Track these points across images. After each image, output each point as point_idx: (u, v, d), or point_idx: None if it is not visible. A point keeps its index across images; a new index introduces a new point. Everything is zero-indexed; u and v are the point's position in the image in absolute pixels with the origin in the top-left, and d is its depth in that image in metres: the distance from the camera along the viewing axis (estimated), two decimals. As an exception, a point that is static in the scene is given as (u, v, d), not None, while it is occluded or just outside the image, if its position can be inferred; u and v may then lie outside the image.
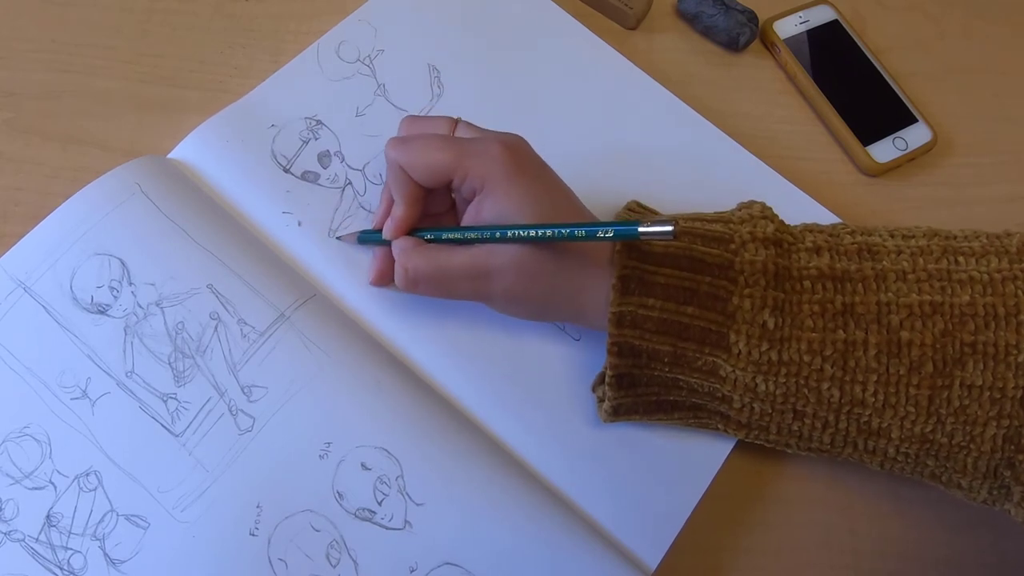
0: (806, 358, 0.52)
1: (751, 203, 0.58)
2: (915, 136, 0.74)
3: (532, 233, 0.53)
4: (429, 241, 0.59)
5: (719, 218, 0.57)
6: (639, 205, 0.63)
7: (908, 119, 0.75)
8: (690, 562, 0.60)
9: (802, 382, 0.53)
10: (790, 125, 0.76)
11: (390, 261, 0.60)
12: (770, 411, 0.55)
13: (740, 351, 0.53)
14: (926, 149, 0.74)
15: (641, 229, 0.50)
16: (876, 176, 0.74)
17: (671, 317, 0.53)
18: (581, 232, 0.52)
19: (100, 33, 0.74)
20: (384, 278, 0.63)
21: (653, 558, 0.58)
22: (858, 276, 0.54)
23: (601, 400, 0.59)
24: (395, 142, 0.58)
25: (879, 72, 0.76)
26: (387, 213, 0.60)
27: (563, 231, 0.53)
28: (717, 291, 0.53)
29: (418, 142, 0.58)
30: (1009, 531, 0.61)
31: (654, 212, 0.63)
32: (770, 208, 0.58)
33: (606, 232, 0.52)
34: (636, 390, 0.57)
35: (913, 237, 0.57)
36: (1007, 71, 0.79)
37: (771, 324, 0.52)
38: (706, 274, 0.54)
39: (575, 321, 0.60)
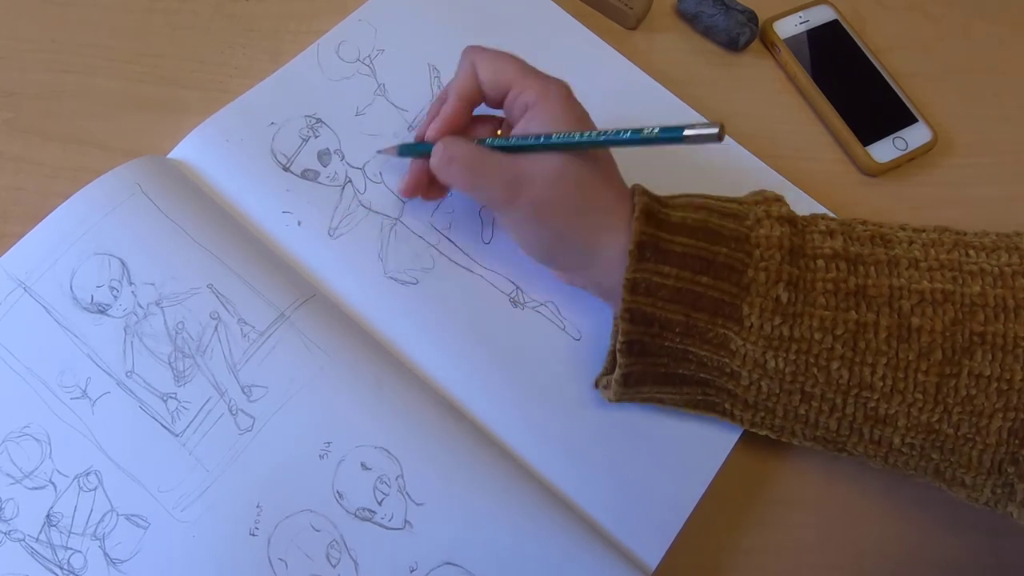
0: (817, 336, 0.52)
1: (762, 190, 0.58)
2: (915, 136, 0.74)
3: (577, 138, 0.54)
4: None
5: (732, 200, 0.58)
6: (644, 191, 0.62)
7: (908, 119, 0.75)
8: (690, 562, 0.60)
9: (812, 360, 0.53)
10: (790, 125, 0.76)
11: (424, 174, 0.62)
12: (778, 391, 0.55)
13: (752, 324, 0.53)
14: (926, 149, 0.74)
15: (687, 132, 0.50)
16: (876, 176, 0.74)
17: (685, 286, 0.53)
18: (626, 135, 0.53)
19: (100, 33, 0.74)
20: (417, 189, 0.64)
21: (653, 558, 0.58)
22: (871, 260, 0.54)
23: (606, 387, 0.60)
24: (474, 46, 0.61)
25: (879, 72, 0.76)
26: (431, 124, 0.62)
27: (610, 136, 0.53)
28: (733, 263, 0.53)
29: (495, 50, 0.60)
30: (1008, 532, 0.61)
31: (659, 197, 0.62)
32: (781, 195, 0.58)
33: (652, 131, 0.52)
34: (646, 359, 0.56)
35: (924, 231, 0.57)
36: (1007, 71, 0.79)
37: (784, 298, 0.52)
38: (722, 245, 0.54)
39: (586, 268, 0.59)
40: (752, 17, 0.77)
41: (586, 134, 0.54)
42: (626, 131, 0.54)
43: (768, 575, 0.60)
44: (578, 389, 0.62)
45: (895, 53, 0.79)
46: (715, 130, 0.50)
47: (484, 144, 0.59)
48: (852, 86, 0.76)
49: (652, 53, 0.78)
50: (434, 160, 0.59)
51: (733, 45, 0.78)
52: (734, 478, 0.62)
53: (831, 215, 0.59)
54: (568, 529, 0.57)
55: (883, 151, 0.73)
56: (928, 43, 0.81)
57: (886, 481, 0.62)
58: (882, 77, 0.76)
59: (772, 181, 0.71)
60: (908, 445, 0.54)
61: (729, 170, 0.71)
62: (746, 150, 0.72)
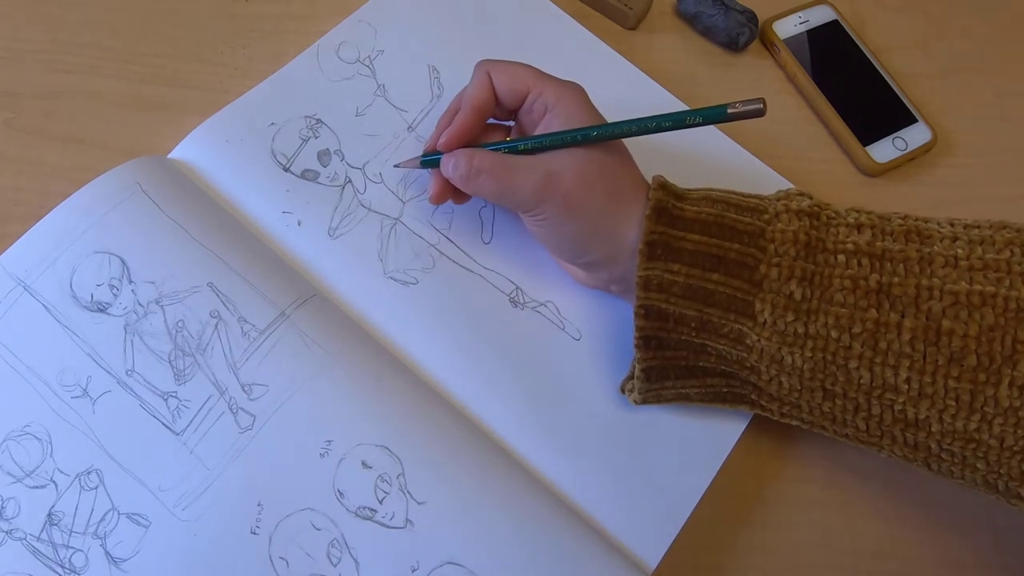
0: (833, 333, 0.51)
1: (791, 188, 0.58)
2: (915, 136, 0.74)
3: (615, 130, 0.55)
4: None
5: (754, 195, 0.57)
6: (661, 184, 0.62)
7: (908, 119, 0.75)
8: (690, 562, 0.60)
9: (829, 358, 0.51)
10: (790, 125, 0.76)
11: (449, 181, 0.61)
12: (799, 387, 0.54)
13: (766, 320, 0.52)
14: (926, 149, 0.74)
15: (730, 111, 0.51)
16: (876, 176, 0.74)
17: (696, 283, 0.53)
18: (668, 123, 0.54)
19: (100, 33, 0.74)
20: (444, 196, 0.63)
21: (653, 557, 0.58)
22: (900, 257, 0.52)
23: (631, 391, 0.60)
24: (487, 59, 0.62)
25: (879, 72, 0.77)
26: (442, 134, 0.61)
27: (650, 123, 0.54)
28: (745, 259, 0.53)
29: (508, 60, 0.61)
30: (1011, 531, 0.61)
31: (677, 191, 0.61)
32: (809, 192, 0.57)
33: (695, 119, 0.53)
34: (664, 353, 0.56)
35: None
36: (1007, 71, 0.79)
37: (798, 295, 0.51)
38: (735, 241, 0.53)
39: (613, 262, 0.58)
40: (752, 17, 0.77)
41: (630, 121, 0.55)
42: (667, 117, 0.54)
43: (768, 575, 0.60)
44: (578, 389, 0.62)
45: (895, 53, 0.79)
46: (759, 105, 0.51)
47: (518, 148, 0.59)
48: (852, 86, 0.76)
49: (652, 53, 0.78)
50: (458, 173, 0.59)
51: (733, 45, 0.78)
52: (734, 478, 0.62)
53: (867, 209, 0.57)
54: (569, 529, 0.57)
55: (883, 151, 0.73)
56: (928, 43, 0.81)
57: (887, 481, 0.62)
58: (882, 77, 0.76)
59: (772, 181, 0.71)
60: (947, 452, 0.52)
61: (729, 170, 0.71)
62: (746, 150, 0.72)
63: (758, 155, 0.72)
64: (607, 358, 0.64)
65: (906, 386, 0.50)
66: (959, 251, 0.52)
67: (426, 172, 0.68)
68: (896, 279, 0.51)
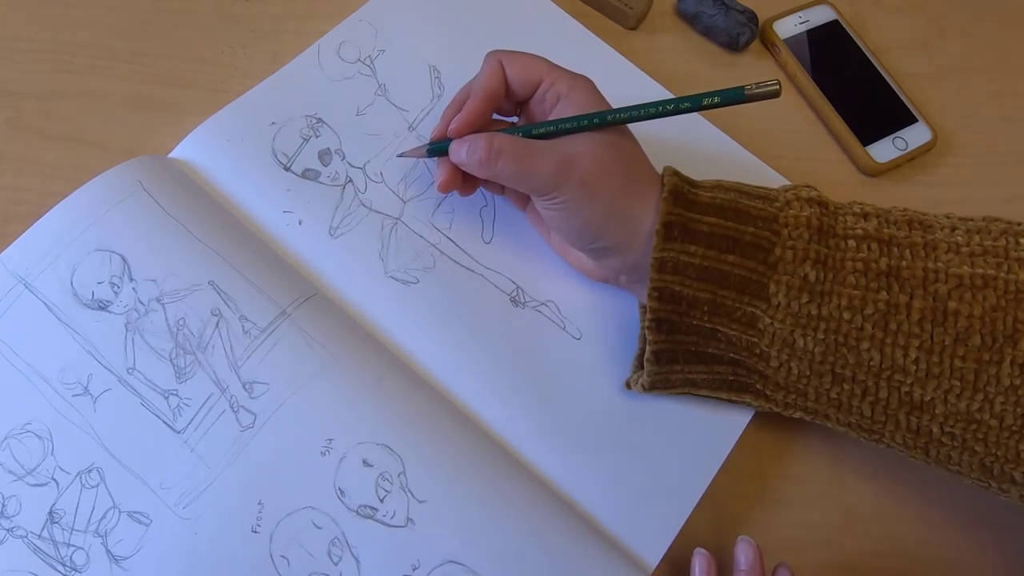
0: (846, 315, 0.52)
1: (795, 183, 0.59)
2: (915, 136, 0.74)
3: (634, 113, 0.56)
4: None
5: (762, 186, 0.58)
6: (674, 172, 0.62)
7: (908, 119, 0.75)
8: (690, 561, 0.59)
9: (841, 340, 0.52)
10: (790, 125, 0.76)
11: (459, 169, 0.62)
12: (808, 372, 0.54)
13: (780, 302, 0.53)
14: (926, 149, 0.74)
15: (747, 92, 0.52)
16: (876, 176, 0.74)
17: (712, 265, 0.54)
18: (686, 104, 0.54)
19: (100, 33, 0.74)
20: (453, 184, 0.63)
21: (653, 556, 0.58)
22: (906, 242, 0.54)
23: (637, 380, 0.60)
24: (498, 49, 0.62)
25: (879, 72, 0.77)
26: (449, 124, 0.61)
27: (668, 105, 0.54)
28: (760, 241, 0.53)
29: (521, 51, 0.62)
30: (1011, 531, 0.61)
31: (689, 179, 0.61)
32: (814, 186, 0.58)
33: (712, 99, 0.53)
34: (675, 336, 0.57)
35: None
36: (1007, 71, 0.80)
37: (812, 277, 0.52)
38: (749, 224, 0.54)
39: (627, 248, 0.58)
40: (752, 17, 0.77)
41: (648, 104, 0.56)
42: (685, 99, 0.55)
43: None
44: (578, 388, 0.62)
45: (895, 53, 0.79)
46: (775, 86, 0.51)
47: (531, 133, 0.59)
48: (852, 86, 0.76)
49: (652, 53, 0.78)
50: (476, 156, 0.58)
51: (733, 45, 0.78)
52: (734, 478, 0.62)
53: (868, 202, 0.58)
54: (570, 528, 0.57)
55: (883, 151, 0.73)
56: (928, 43, 0.81)
57: (887, 481, 0.62)
58: (882, 77, 0.76)
59: (772, 181, 0.70)
60: (948, 435, 0.53)
61: (730, 170, 0.70)
62: (746, 150, 0.72)
63: (758, 155, 0.72)
64: (607, 357, 0.64)
65: (914, 366, 0.51)
66: (959, 238, 0.54)
67: (427, 171, 0.68)
68: (904, 262, 0.53)
